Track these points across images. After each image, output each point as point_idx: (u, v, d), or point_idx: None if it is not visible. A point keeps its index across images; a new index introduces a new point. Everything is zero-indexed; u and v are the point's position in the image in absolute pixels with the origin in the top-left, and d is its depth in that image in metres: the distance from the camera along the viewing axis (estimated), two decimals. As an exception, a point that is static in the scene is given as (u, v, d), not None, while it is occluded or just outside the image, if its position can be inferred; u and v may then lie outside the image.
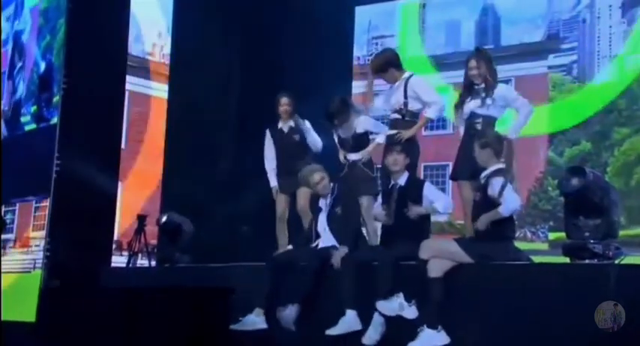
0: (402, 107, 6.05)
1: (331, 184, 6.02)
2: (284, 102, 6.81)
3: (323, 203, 5.98)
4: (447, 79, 8.18)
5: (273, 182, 6.92)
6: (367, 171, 6.34)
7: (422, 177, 7.10)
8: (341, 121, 6.34)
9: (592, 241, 4.79)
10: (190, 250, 7.21)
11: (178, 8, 9.29)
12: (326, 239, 5.86)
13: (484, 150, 5.24)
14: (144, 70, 9.66)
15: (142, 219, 8.24)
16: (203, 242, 7.46)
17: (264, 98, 7.33)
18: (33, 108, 9.44)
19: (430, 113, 6.08)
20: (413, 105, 6.07)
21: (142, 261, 8.34)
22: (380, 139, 6.29)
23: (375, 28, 9.30)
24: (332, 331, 5.21)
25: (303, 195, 6.64)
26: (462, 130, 5.96)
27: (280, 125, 6.91)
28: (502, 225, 5.06)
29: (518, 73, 8.09)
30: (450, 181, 6.67)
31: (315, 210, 6.05)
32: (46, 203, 8.36)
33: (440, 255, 4.98)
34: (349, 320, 5.21)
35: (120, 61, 8.77)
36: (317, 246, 5.88)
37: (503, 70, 6.84)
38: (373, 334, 5.14)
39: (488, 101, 5.73)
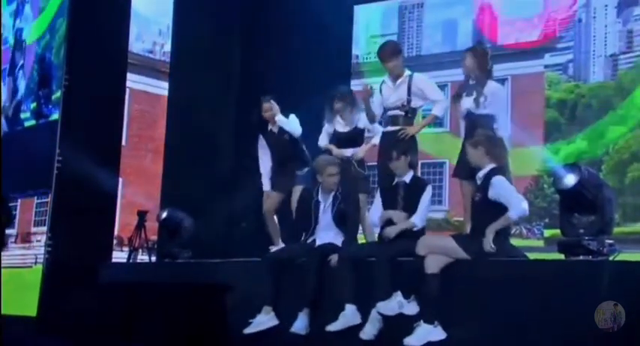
0: (405, 103, 6.07)
1: None
2: (266, 108, 6.78)
3: (323, 197, 5.91)
4: (445, 77, 8.22)
5: (267, 187, 6.86)
6: (360, 170, 6.42)
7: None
8: (343, 107, 6.41)
9: (587, 238, 4.81)
10: (190, 246, 7.24)
11: (179, 6, 9.31)
12: (324, 235, 5.82)
13: (476, 150, 5.26)
14: (144, 67, 9.70)
15: (142, 214, 8.30)
16: (203, 238, 7.48)
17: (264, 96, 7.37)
18: (32, 105, 9.49)
19: (437, 111, 6.12)
20: (415, 103, 6.11)
21: (143, 257, 8.41)
22: (375, 140, 6.35)
23: (374, 27, 9.35)
24: (332, 326, 5.24)
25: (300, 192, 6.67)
26: (462, 128, 6.03)
27: (270, 127, 6.87)
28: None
29: (515, 72, 8.15)
30: (448, 179, 6.71)
31: (315, 205, 5.93)
32: (47, 199, 8.42)
33: (437, 251, 5.01)
34: (349, 315, 5.24)
35: (121, 59, 8.83)
36: (314, 242, 5.84)
37: (499, 69, 6.87)
38: (370, 329, 5.16)
39: (481, 99, 5.78)
